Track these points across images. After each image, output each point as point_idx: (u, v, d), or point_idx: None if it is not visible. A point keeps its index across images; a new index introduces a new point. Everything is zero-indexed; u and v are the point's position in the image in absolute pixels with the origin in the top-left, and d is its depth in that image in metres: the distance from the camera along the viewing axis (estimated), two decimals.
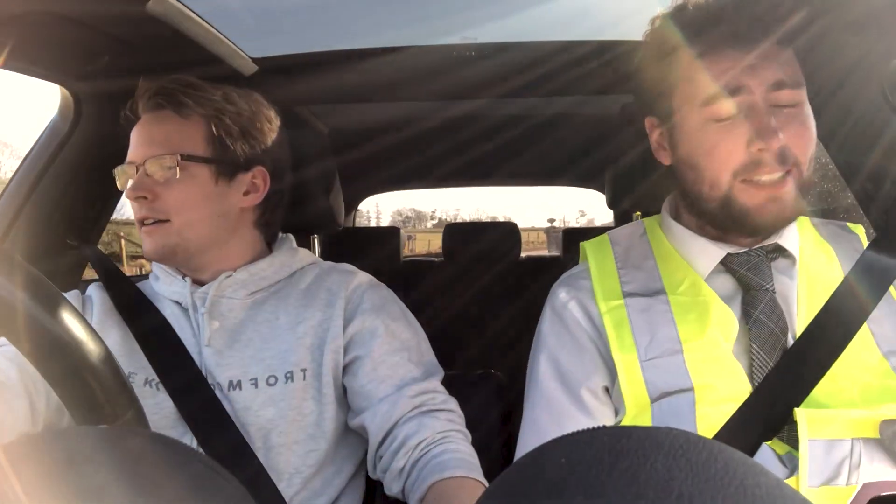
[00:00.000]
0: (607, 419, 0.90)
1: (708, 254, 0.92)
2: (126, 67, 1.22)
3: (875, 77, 1.16)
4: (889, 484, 0.76)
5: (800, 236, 0.94)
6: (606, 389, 0.91)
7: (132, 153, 1.00)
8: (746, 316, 0.87)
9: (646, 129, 0.97)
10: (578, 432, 0.34)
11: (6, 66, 1.11)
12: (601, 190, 3.00)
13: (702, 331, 0.85)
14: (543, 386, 0.93)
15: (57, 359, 0.62)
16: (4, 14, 0.97)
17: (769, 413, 0.80)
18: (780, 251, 0.91)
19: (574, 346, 0.93)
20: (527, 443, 0.93)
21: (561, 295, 0.97)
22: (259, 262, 1.04)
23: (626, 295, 0.92)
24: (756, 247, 0.91)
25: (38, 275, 0.64)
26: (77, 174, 1.35)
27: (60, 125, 1.33)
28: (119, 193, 1.51)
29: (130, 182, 0.99)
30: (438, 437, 0.90)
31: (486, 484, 0.85)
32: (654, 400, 0.84)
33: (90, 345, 0.63)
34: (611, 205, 2.16)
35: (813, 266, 0.91)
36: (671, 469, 0.29)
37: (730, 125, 0.84)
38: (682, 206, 0.98)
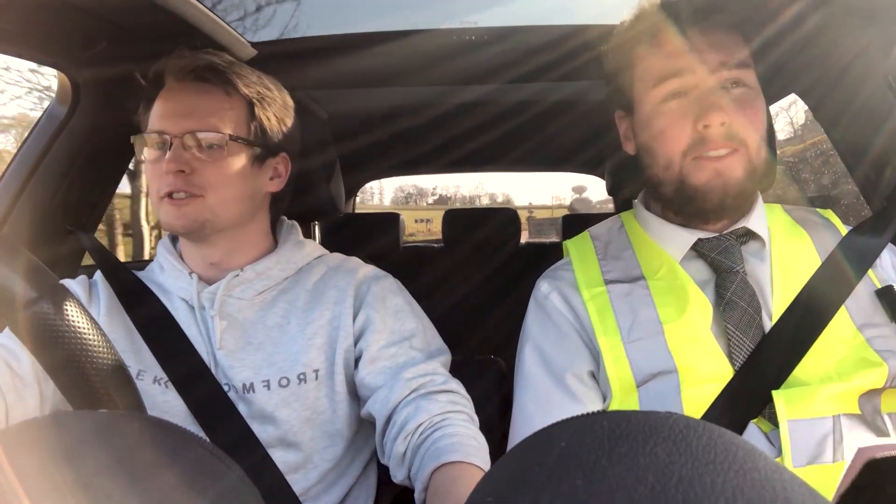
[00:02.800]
0: (594, 403, 0.91)
1: (679, 239, 0.95)
2: (124, 53, 1.21)
3: (879, 66, 1.15)
4: (883, 447, 0.77)
5: (772, 221, 0.98)
6: (592, 374, 0.93)
7: (165, 123, 0.96)
8: (719, 298, 0.90)
9: (616, 123, 1.04)
10: (578, 417, 0.34)
11: (5, 51, 1.10)
12: (602, 177, 2.99)
13: (680, 313, 0.89)
14: (529, 374, 0.96)
15: (55, 348, 0.62)
16: (3, 0, 0.96)
17: (751, 394, 0.82)
18: (750, 235, 0.95)
19: (557, 334, 0.96)
20: (516, 431, 0.96)
21: (543, 287, 1.01)
22: (265, 260, 1.03)
23: (608, 282, 0.95)
24: (726, 231, 0.94)
25: (37, 263, 0.64)
26: (75, 160, 1.34)
27: (58, 111, 1.32)
28: (118, 180, 1.51)
29: (151, 152, 0.96)
30: (437, 419, 0.89)
31: (487, 468, 0.83)
32: (639, 384, 0.87)
33: (89, 335, 0.63)
34: (611, 192, 2.15)
35: (786, 248, 0.94)
36: (671, 453, 0.29)
37: (677, 106, 0.90)
38: (649, 194, 1.03)
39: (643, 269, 0.95)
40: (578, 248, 1.04)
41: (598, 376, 0.93)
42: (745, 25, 0.92)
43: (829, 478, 0.77)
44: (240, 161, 0.98)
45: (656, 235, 0.99)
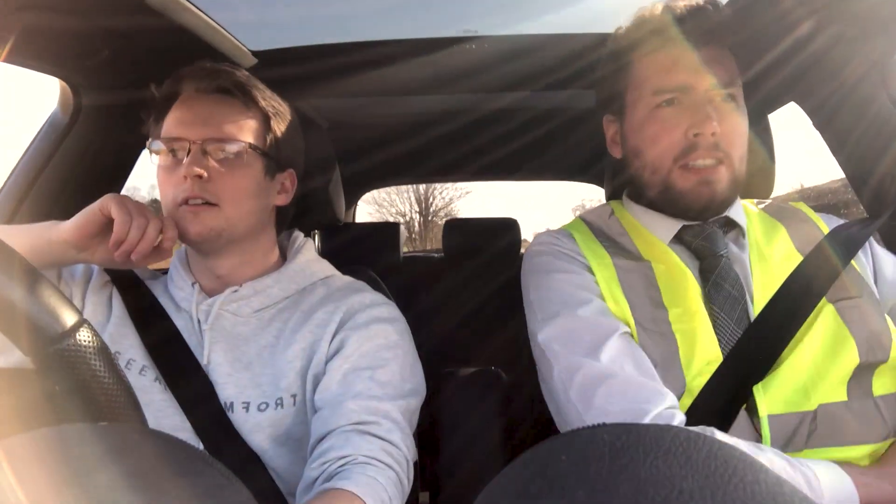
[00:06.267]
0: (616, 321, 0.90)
1: (664, 227, 0.99)
2: (126, 61, 1.22)
3: (884, 85, 1.16)
4: None
5: (746, 213, 1.02)
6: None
7: (183, 130, 0.95)
8: (704, 280, 0.93)
9: (604, 127, 1.08)
10: (579, 430, 0.34)
11: (7, 60, 1.10)
12: (601, 184, 2.99)
13: (679, 295, 0.91)
14: (546, 312, 0.95)
15: (72, 377, 0.62)
16: (5, 9, 0.96)
17: (737, 383, 0.84)
18: (731, 224, 0.99)
19: (567, 271, 0.96)
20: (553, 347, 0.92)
21: (543, 237, 1.04)
22: (265, 278, 1.02)
23: (612, 255, 0.98)
24: (709, 220, 0.98)
25: (62, 295, 0.64)
26: (77, 168, 1.35)
27: (60, 119, 1.33)
28: (120, 188, 1.51)
29: (165, 159, 0.96)
30: (362, 459, 0.82)
31: None
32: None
33: (105, 370, 0.64)
34: (610, 198, 2.13)
35: (761, 238, 0.99)
36: (671, 466, 0.29)
37: (672, 114, 0.94)
38: (632, 194, 1.08)
39: (642, 251, 0.98)
40: (577, 229, 1.05)
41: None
42: (749, 44, 0.97)
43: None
44: (255, 172, 0.99)
45: (644, 223, 1.02)
